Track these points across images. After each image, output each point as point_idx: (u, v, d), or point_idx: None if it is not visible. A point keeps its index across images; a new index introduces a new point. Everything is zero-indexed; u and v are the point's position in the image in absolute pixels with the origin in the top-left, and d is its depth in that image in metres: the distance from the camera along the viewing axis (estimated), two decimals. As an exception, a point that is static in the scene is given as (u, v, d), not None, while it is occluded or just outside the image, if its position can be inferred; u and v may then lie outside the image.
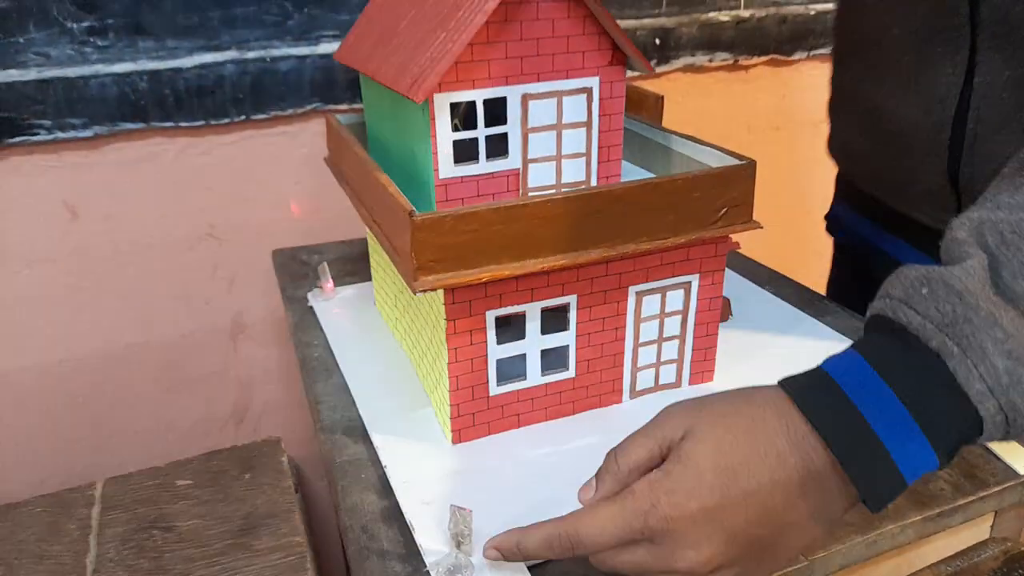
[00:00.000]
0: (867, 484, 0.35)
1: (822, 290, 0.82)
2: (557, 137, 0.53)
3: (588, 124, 0.53)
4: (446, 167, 0.51)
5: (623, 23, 1.08)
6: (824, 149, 0.78)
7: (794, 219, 1.21)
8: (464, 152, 0.51)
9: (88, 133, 0.86)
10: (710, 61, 1.14)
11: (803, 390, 0.37)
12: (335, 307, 0.75)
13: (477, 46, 0.48)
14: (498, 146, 0.52)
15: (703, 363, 0.60)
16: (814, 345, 0.65)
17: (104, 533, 0.48)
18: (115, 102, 0.86)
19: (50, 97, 0.84)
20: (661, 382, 0.60)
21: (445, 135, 0.50)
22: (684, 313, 0.58)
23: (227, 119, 0.91)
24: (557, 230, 0.49)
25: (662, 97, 0.72)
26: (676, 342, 0.59)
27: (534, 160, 0.53)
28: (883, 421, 0.35)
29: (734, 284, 0.76)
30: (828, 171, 0.80)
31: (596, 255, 0.50)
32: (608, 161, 0.55)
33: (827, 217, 0.83)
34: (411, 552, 0.46)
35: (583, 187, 0.54)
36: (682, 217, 0.52)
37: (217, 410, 1.05)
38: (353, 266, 0.85)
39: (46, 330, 0.94)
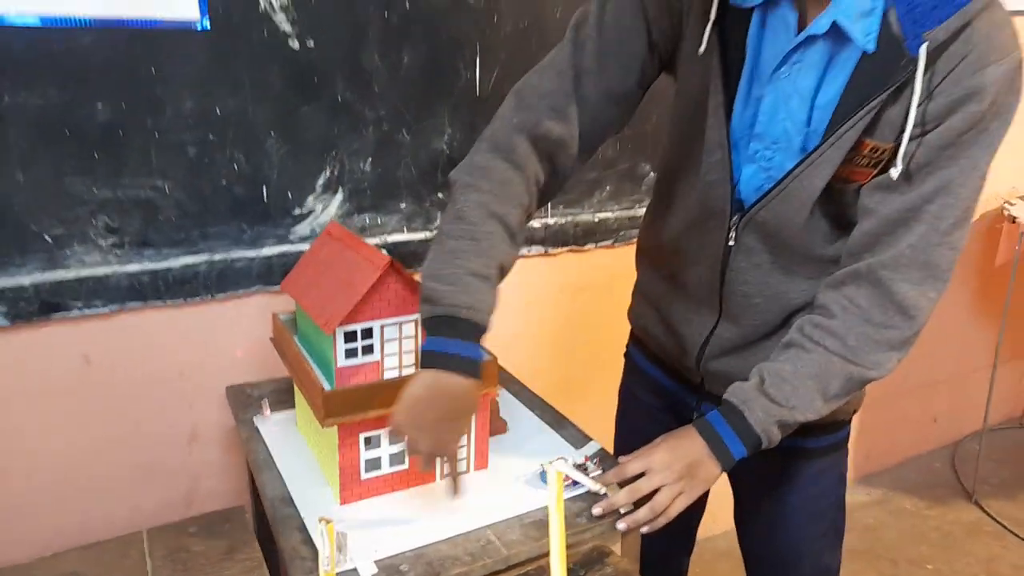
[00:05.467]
0: (717, 454, 0.97)
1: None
2: (399, 344, 1.04)
3: (415, 336, 1.05)
4: (340, 360, 1.00)
5: (468, 228, 1.63)
6: (608, 307, 1.33)
7: (592, 355, 1.77)
8: (350, 355, 1.01)
9: (105, 309, 1.31)
10: (528, 251, 1.70)
11: (699, 422, 0.99)
12: (272, 426, 1.22)
13: (358, 305, 0.99)
14: (368, 349, 1.02)
15: (481, 457, 1.11)
16: (552, 442, 1.18)
17: None
18: (125, 290, 1.32)
19: (82, 289, 1.29)
20: (459, 468, 1.10)
21: (340, 347, 1.00)
22: (469, 433, 1.09)
23: (198, 297, 1.38)
24: (392, 395, 0.99)
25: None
26: (465, 447, 1.10)
27: (387, 355, 1.04)
28: (723, 431, 0.97)
29: (512, 407, 1.28)
30: (619, 321, 1.32)
31: (415, 406, 1.01)
32: (427, 353, 1.06)
33: (625, 355, 1.33)
34: (314, 553, 0.93)
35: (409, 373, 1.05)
36: (460, 385, 1.04)
37: (172, 495, 1.47)
38: (278, 397, 1.31)
39: (52, 429, 1.35)
